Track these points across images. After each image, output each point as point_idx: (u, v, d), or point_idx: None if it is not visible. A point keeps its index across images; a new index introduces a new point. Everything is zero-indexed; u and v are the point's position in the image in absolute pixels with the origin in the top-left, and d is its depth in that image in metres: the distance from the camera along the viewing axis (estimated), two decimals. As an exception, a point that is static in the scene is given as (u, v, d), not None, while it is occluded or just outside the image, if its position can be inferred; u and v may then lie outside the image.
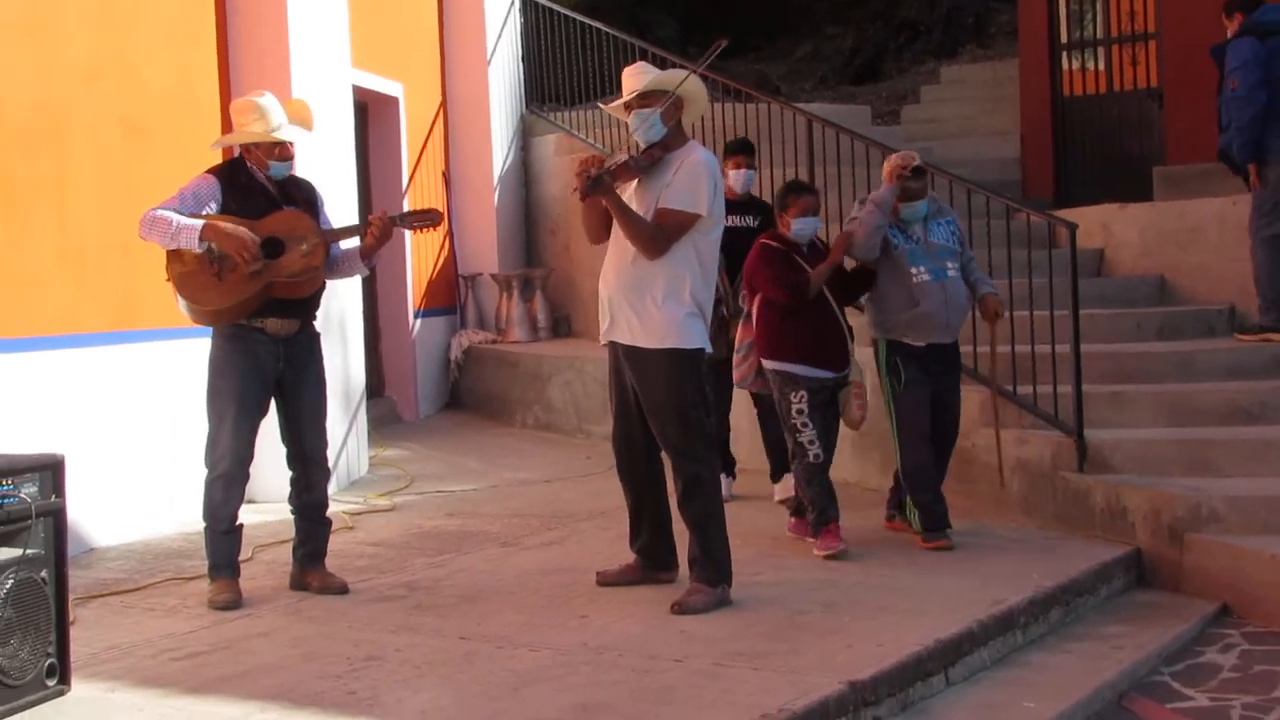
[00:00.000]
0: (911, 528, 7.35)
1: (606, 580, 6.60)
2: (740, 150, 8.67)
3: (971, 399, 8.14)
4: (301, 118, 6.66)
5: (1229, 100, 9.03)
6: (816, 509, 7.14)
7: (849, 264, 7.51)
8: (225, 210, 6.45)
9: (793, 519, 7.52)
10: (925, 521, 7.25)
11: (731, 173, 8.46)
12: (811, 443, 7.14)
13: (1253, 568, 6.65)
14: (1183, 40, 11.89)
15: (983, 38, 18.52)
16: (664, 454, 6.42)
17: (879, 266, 7.35)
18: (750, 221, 8.46)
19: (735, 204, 8.36)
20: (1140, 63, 12.88)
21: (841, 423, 7.36)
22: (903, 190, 7.35)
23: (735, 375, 7.61)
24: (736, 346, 7.54)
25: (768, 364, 7.27)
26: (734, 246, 7.59)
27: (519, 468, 10.13)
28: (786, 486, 8.20)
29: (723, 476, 8.07)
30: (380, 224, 6.61)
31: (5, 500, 4.94)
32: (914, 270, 7.25)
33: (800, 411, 7.14)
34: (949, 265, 7.33)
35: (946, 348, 7.36)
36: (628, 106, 6.35)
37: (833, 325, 7.22)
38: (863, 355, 7.44)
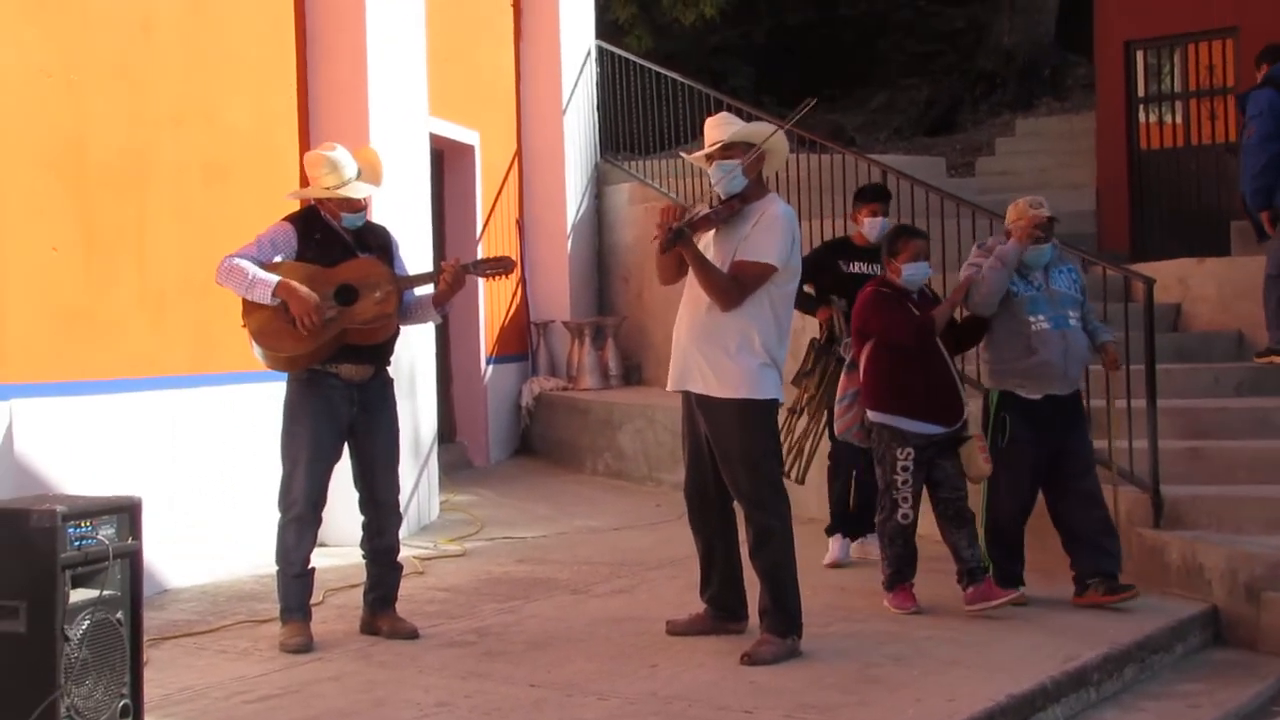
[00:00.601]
0: (1098, 594, 7.00)
1: (676, 629, 6.58)
2: (876, 198, 8.36)
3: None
4: (372, 169, 6.72)
5: (1245, 148, 9.26)
6: (894, 567, 7.01)
7: (958, 312, 7.40)
8: (301, 258, 6.53)
9: (969, 589, 7.00)
10: (997, 577, 7.08)
11: (866, 220, 8.22)
12: (905, 500, 6.96)
13: (1332, 628, 6.57)
14: (1262, 94, 11.79)
15: (1059, 91, 18.45)
16: (736, 504, 6.42)
17: (994, 314, 7.18)
18: (877, 270, 7.94)
19: (864, 251, 8.20)
20: (1219, 117, 12.80)
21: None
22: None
23: (837, 426, 7.41)
24: (839, 396, 7.36)
25: (874, 416, 7.08)
26: (856, 290, 7.45)
27: (589, 515, 10.14)
28: (864, 548, 8.18)
29: (840, 538, 8.23)
30: (452, 271, 6.65)
31: (83, 542, 4.98)
32: (1033, 319, 7.07)
33: (905, 469, 6.96)
34: (1071, 314, 7.16)
35: (1065, 400, 7.15)
36: (709, 157, 6.37)
37: (945, 376, 7.05)
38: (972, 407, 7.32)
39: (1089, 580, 7.05)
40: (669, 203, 11.70)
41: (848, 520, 8.27)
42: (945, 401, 7.01)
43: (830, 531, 8.30)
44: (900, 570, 7.01)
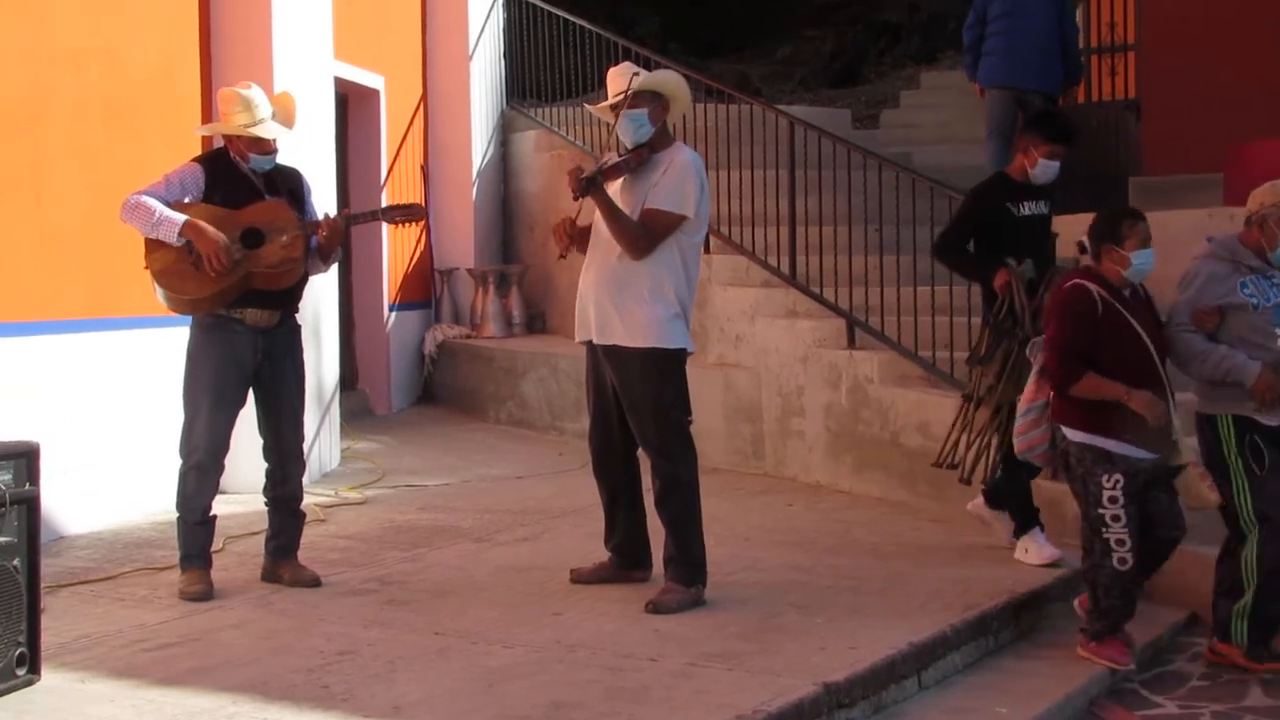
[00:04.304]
0: (1236, 652, 6.07)
1: (580, 578, 6.59)
2: (1063, 138, 7.11)
3: (946, 404, 8.16)
4: (286, 111, 6.62)
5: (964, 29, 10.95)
6: (1107, 620, 5.97)
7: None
8: (208, 199, 6.42)
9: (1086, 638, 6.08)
10: (1255, 635, 6.02)
11: (1042, 160, 7.06)
12: (1120, 543, 5.80)
13: (1222, 578, 6.67)
14: (1162, 52, 11.95)
15: (962, 44, 18.54)
16: (641, 452, 6.42)
17: (1221, 325, 6.06)
18: (1043, 208, 7.18)
19: (1031, 188, 7.17)
20: (1119, 74, 12.91)
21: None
22: None
23: (1017, 444, 6.25)
24: (1024, 408, 6.23)
25: (1074, 435, 5.95)
26: (1031, 236, 6.94)
27: (492, 463, 10.11)
28: (1031, 547, 7.04)
29: (1040, 534, 7.06)
30: (329, 224, 6.57)
31: (-21, 487, 4.91)
32: (1279, 331, 5.99)
33: (1113, 500, 5.79)
34: None
35: None
36: (614, 107, 6.36)
37: (1160, 394, 5.86)
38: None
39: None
40: (576, 151, 11.69)
41: (1033, 513, 7.12)
42: (1161, 424, 5.83)
43: (1020, 532, 7.10)
44: (1117, 622, 5.99)
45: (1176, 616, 6.71)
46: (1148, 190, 11.31)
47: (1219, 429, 6.02)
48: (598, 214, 6.28)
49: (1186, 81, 11.69)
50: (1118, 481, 5.78)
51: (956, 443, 7.15)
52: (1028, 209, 7.12)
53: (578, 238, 6.39)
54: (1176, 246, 9.91)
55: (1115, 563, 5.83)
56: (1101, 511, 5.82)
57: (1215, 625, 6.15)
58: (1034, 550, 6.96)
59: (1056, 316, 5.98)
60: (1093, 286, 5.94)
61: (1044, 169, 7.08)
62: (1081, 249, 6.11)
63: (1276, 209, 6.08)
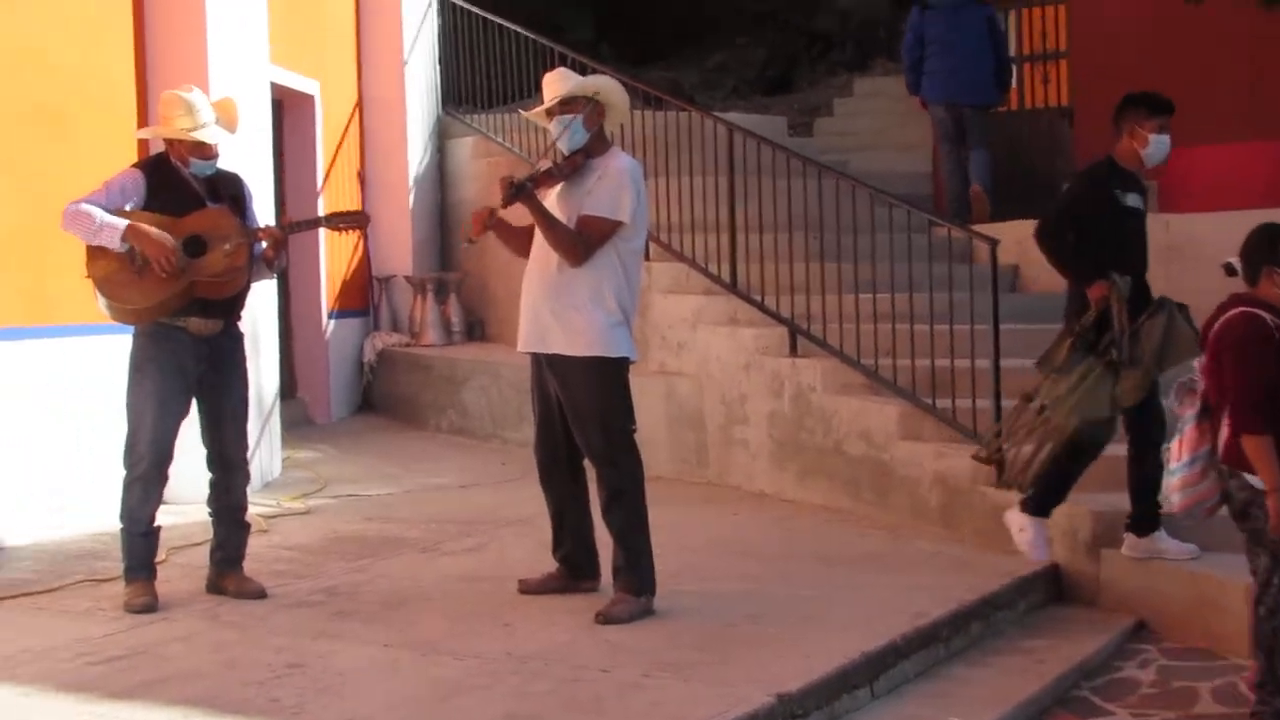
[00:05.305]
0: None
1: (529, 588, 6.56)
2: (1168, 109, 6.71)
3: (888, 411, 8.20)
4: (228, 117, 6.55)
5: None
6: None
7: None
8: (149, 207, 6.34)
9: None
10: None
11: (1152, 137, 6.68)
12: None
13: (1167, 584, 6.73)
14: (1093, 60, 12.11)
15: (894, 51, 18.62)
16: (587, 462, 6.40)
17: None
18: (1140, 203, 6.79)
19: (1133, 178, 6.79)
20: (1051, 81, 13.05)
21: None
22: None
23: (1182, 499, 5.48)
24: (1186, 457, 5.44)
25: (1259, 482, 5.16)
26: (1133, 231, 6.62)
27: (434, 472, 10.04)
28: (1150, 545, 6.81)
29: (1043, 523, 6.92)
30: (268, 234, 6.52)
31: (-78, 500, 4.83)
32: None
33: None
34: None
35: None
36: (549, 113, 6.33)
37: None
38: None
39: None
40: (513, 157, 11.65)
41: (1052, 505, 6.91)
42: None
43: (1033, 510, 6.88)
44: None
45: (1124, 624, 6.74)
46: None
47: None
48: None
49: (1118, 87, 11.80)
50: None
51: (1005, 441, 6.94)
52: (1131, 200, 6.73)
53: (500, 231, 6.32)
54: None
55: None
56: None
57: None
58: (1026, 533, 6.84)
59: (1242, 354, 5.19)
60: (1266, 315, 5.21)
61: (1157, 145, 6.68)
62: (1230, 270, 5.45)
63: None
